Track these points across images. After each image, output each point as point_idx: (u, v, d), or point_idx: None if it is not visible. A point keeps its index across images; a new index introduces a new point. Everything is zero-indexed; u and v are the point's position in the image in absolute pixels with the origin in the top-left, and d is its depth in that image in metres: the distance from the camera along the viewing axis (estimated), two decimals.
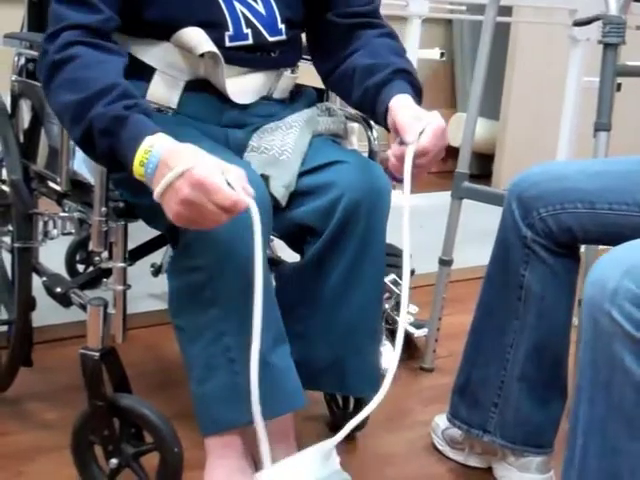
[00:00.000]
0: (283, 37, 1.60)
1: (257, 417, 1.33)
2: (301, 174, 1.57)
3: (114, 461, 1.53)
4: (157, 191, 1.24)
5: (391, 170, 1.46)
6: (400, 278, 2.29)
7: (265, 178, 1.52)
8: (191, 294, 1.41)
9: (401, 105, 1.47)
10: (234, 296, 1.40)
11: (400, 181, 1.45)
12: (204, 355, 1.44)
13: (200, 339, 1.44)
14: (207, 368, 1.44)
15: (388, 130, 1.51)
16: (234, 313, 1.41)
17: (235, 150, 1.56)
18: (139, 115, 1.31)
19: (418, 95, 1.54)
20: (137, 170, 1.27)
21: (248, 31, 1.56)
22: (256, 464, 1.55)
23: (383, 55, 1.57)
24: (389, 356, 2.10)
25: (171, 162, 1.23)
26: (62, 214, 1.64)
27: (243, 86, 1.59)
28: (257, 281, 1.32)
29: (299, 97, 1.71)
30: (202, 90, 1.57)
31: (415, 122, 1.42)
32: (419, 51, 3.41)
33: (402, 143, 1.43)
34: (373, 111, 1.55)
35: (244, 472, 1.48)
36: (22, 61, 1.79)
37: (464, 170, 2.15)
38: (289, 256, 1.72)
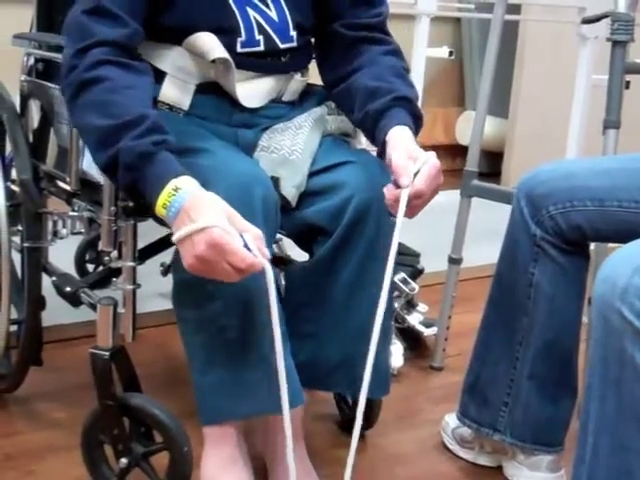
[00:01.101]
0: (294, 44, 1.61)
1: (286, 418, 1.37)
2: (311, 174, 1.57)
3: (124, 460, 1.53)
4: (175, 237, 1.28)
5: (388, 206, 1.47)
6: (411, 277, 2.29)
7: (275, 179, 1.52)
8: (193, 288, 1.42)
9: (397, 142, 1.47)
10: (235, 291, 1.40)
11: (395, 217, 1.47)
12: (205, 348, 1.45)
13: (201, 332, 1.45)
14: (208, 361, 1.45)
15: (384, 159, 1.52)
16: (235, 308, 1.41)
17: (244, 150, 1.57)
18: (166, 154, 1.32)
19: (417, 123, 1.55)
20: (159, 211, 1.30)
21: (260, 37, 1.57)
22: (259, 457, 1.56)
23: (386, 78, 1.57)
24: (398, 356, 2.12)
25: (193, 213, 1.26)
26: (71, 213, 1.64)
27: (253, 90, 1.59)
28: (276, 334, 1.34)
29: (308, 96, 1.71)
30: (212, 92, 1.57)
31: (410, 164, 1.43)
32: (428, 49, 3.40)
33: (397, 185, 1.44)
34: (372, 137, 1.56)
35: (236, 462, 1.50)
36: (31, 61, 1.79)
37: (473, 168, 2.15)
38: (298, 255, 1.72)
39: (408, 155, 1.44)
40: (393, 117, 1.51)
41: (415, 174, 1.43)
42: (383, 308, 1.42)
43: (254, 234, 1.28)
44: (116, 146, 1.32)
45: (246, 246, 1.26)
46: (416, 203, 1.44)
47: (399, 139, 1.48)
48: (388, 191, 1.44)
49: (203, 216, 1.25)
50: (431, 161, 1.44)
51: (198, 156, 1.45)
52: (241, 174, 1.42)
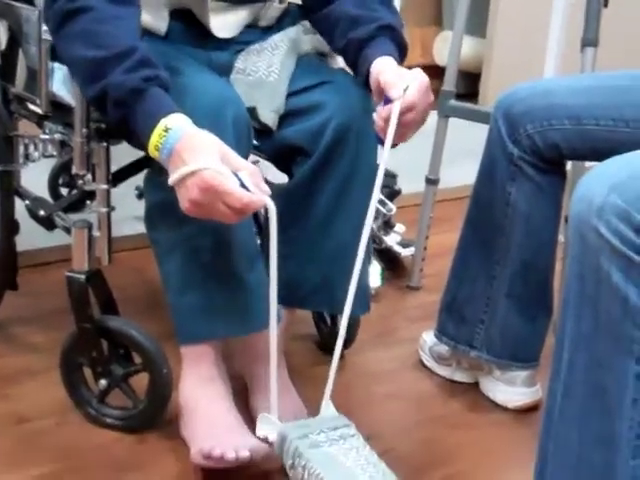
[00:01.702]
0: None
1: (272, 337, 1.37)
2: (289, 95, 1.56)
3: (103, 382, 1.54)
4: (170, 181, 1.25)
5: (377, 132, 1.44)
6: (388, 198, 2.29)
7: (252, 109, 1.51)
8: (166, 210, 1.41)
9: (384, 66, 1.46)
10: None
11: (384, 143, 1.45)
12: (180, 270, 1.45)
13: (175, 254, 1.45)
14: (183, 283, 1.45)
15: (369, 90, 1.50)
16: (209, 230, 1.40)
17: (220, 73, 1.54)
18: (157, 90, 1.29)
19: (402, 53, 1.53)
20: (153, 153, 1.27)
21: None
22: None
23: (370, 5, 1.54)
24: (375, 276, 2.13)
25: (185, 155, 1.23)
26: (43, 136, 1.61)
27: (227, 21, 1.57)
28: (272, 273, 1.33)
29: (283, 16, 1.68)
30: (185, 18, 1.55)
31: (399, 79, 1.41)
32: None
33: (387, 103, 1.41)
34: (355, 66, 1.54)
35: (214, 380, 1.50)
36: None
37: (450, 88, 2.13)
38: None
39: (397, 73, 1.43)
40: (377, 47, 1.49)
41: (405, 90, 1.41)
42: (369, 229, 1.42)
43: (250, 171, 1.25)
44: (105, 80, 1.28)
45: (243, 185, 1.23)
46: (407, 118, 1.41)
47: (386, 65, 1.46)
48: (377, 113, 1.43)
49: (195, 158, 1.22)
50: (420, 77, 1.43)
51: (170, 73, 1.42)
52: (211, 95, 1.40)
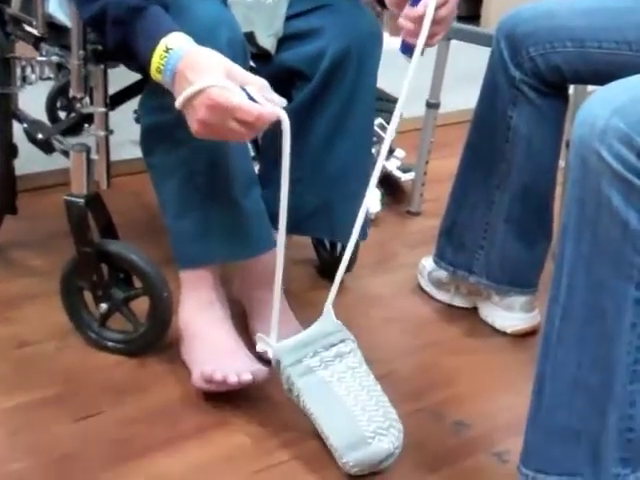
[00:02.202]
0: None
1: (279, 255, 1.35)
2: (288, 18, 1.53)
3: (104, 306, 1.55)
4: (177, 103, 1.22)
5: (405, 36, 1.39)
6: (387, 122, 2.27)
7: (249, 34, 1.48)
8: (161, 133, 1.40)
9: None
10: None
11: (412, 50, 1.38)
12: (177, 194, 1.45)
13: (172, 178, 1.44)
14: (180, 206, 1.45)
15: (383, 6, 1.45)
16: (204, 153, 1.40)
17: None
18: (157, 8, 1.26)
19: None
20: (156, 77, 1.25)
21: None
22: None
23: None
24: (375, 202, 2.12)
25: (189, 74, 1.20)
26: (40, 58, 1.59)
27: None
28: (283, 190, 1.31)
29: None
30: None
31: None
32: None
33: (416, 3, 1.36)
34: None
35: (212, 304, 1.51)
36: None
37: None
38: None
39: None
40: None
41: None
42: (385, 154, 1.39)
43: (258, 85, 1.22)
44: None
45: (251, 99, 1.20)
46: (442, 14, 1.36)
47: None
48: (405, 15, 1.37)
49: (200, 76, 1.19)
50: None
51: None
52: (205, 16, 1.36)
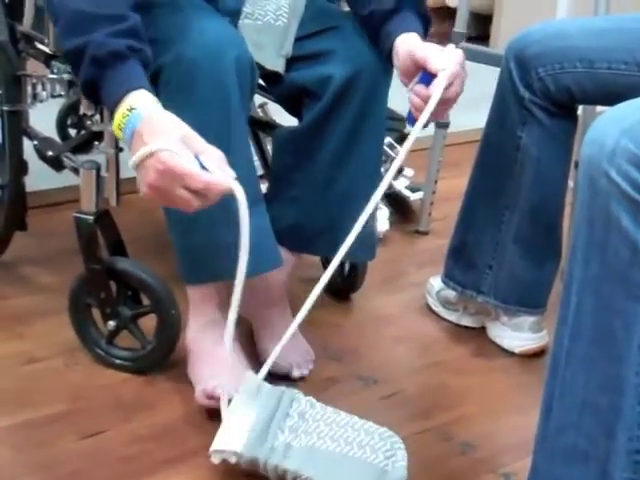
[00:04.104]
0: None
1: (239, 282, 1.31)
2: (299, 38, 1.54)
3: (112, 323, 1.55)
4: (130, 163, 1.19)
5: (413, 110, 1.39)
6: (397, 141, 2.27)
7: (260, 47, 1.49)
8: None
9: (415, 44, 1.40)
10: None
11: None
12: (184, 212, 1.44)
13: None
14: (189, 223, 1.43)
15: (391, 64, 1.46)
16: None
17: (228, 18, 1.52)
18: (137, 63, 1.24)
19: (426, 27, 1.48)
20: (116, 133, 1.22)
21: None
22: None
23: None
24: (383, 221, 2.12)
25: (146, 136, 1.17)
26: (51, 76, 1.60)
27: None
28: (241, 261, 1.28)
29: None
30: None
31: (437, 53, 1.37)
32: None
33: (425, 79, 1.37)
34: (376, 39, 1.49)
35: (216, 324, 1.49)
36: None
37: (461, 30, 2.11)
38: (286, 121, 1.70)
39: (433, 48, 1.39)
40: (402, 22, 1.45)
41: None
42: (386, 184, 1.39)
43: (213, 155, 1.18)
44: (88, 36, 1.23)
45: (203, 167, 1.16)
46: (450, 92, 1.37)
47: (413, 42, 1.41)
48: (415, 92, 1.38)
49: (154, 137, 1.16)
50: (455, 50, 1.39)
51: (170, 11, 1.41)
52: (213, 34, 1.37)
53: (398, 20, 1.45)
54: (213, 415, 1.44)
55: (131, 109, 1.19)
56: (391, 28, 1.45)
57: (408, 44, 1.41)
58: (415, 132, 1.36)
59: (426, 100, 1.36)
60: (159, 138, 1.16)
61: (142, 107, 1.19)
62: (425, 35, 1.47)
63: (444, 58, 1.36)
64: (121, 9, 1.26)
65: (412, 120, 1.42)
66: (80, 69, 1.25)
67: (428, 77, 1.37)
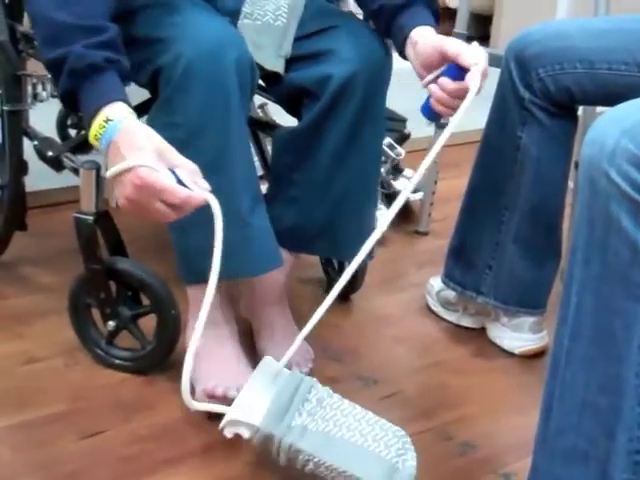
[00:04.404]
0: None
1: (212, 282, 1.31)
2: (298, 38, 1.54)
3: (112, 323, 1.55)
4: (107, 174, 1.22)
5: (434, 104, 1.38)
6: (397, 142, 2.27)
7: (259, 47, 1.49)
8: None
9: (438, 38, 1.39)
10: (214, 155, 1.38)
11: (437, 119, 1.39)
12: None
13: None
14: (186, 224, 1.43)
15: (403, 57, 1.46)
16: (213, 171, 1.39)
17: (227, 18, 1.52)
18: (114, 75, 1.25)
19: (437, 20, 1.47)
20: (92, 142, 1.24)
21: None
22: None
23: None
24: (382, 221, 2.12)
25: (123, 149, 1.19)
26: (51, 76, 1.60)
27: None
28: (214, 269, 1.28)
29: None
30: None
31: (469, 47, 1.36)
32: None
33: (453, 72, 1.35)
34: (387, 33, 1.49)
35: (217, 323, 1.49)
36: None
37: (462, 31, 2.11)
38: (286, 122, 1.70)
39: (459, 42, 1.37)
40: (414, 15, 1.44)
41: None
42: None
43: (189, 169, 1.21)
44: (67, 47, 1.24)
45: (180, 182, 1.19)
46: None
47: (436, 36, 1.41)
48: (441, 86, 1.36)
49: (132, 153, 1.18)
50: (475, 43, 1.38)
51: (168, 11, 1.40)
52: (212, 34, 1.37)
53: (410, 14, 1.45)
54: (213, 415, 1.44)
55: (107, 120, 1.21)
56: (403, 21, 1.45)
57: (431, 37, 1.40)
58: (450, 128, 1.33)
59: (451, 93, 1.35)
60: (136, 153, 1.18)
61: (119, 119, 1.21)
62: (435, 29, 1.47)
63: (476, 53, 1.35)
64: (100, 20, 1.27)
65: (429, 112, 1.41)
66: (59, 80, 1.26)
67: (455, 71, 1.35)
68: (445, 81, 1.37)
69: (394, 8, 1.46)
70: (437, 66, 1.39)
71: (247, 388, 1.36)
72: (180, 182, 1.19)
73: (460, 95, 1.35)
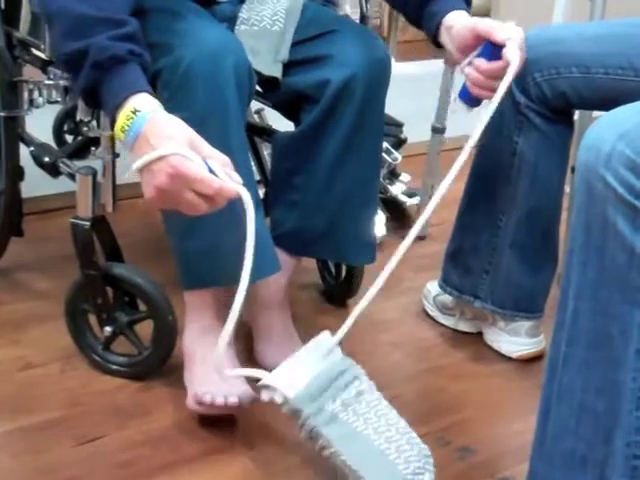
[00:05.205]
0: None
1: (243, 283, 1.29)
2: (296, 43, 1.54)
3: (108, 329, 1.55)
4: (134, 167, 1.18)
5: (472, 88, 1.37)
6: (393, 147, 2.27)
7: (256, 53, 1.49)
8: None
9: (471, 19, 1.38)
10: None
11: (476, 104, 1.37)
12: (182, 217, 1.42)
13: None
14: (189, 228, 1.43)
15: (437, 45, 1.45)
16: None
17: (224, 24, 1.52)
18: (137, 67, 1.23)
19: (469, 4, 1.46)
20: (118, 135, 1.21)
21: None
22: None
23: None
24: (380, 226, 2.12)
25: (152, 139, 1.16)
26: (47, 82, 1.60)
27: None
28: (246, 267, 1.27)
29: None
30: None
31: (502, 24, 1.34)
32: None
33: (488, 53, 1.34)
34: (418, 22, 1.47)
35: (214, 330, 1.46)
36: None
37: None
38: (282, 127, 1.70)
39: (491, 21, 1.36)
40: (446, 1, 1.43)
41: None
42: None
43: (221, 160, 1.19)
44: (90, 39, 1.22)
45: (212, 172, 1.16)
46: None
47: (469, 18, 1.39)
48: (476, 68, 1.35)
49: (162, 140, 1.16)
50: (516, 26, 1.35)
51: (167, 18, 1.41)
52: (211, 40, 1.37)
53: (442, 0, 1.43)
54: (204, 422, 1.44)
55: (135, 111, 1.18)
56: (436, 8, 1.43)
57: (464, 21, 1.39)
58: (493, 107, 1.31)
59: (485, 73, 1.33)
60: (167, 142, 1.15)
61: (147, 110, 1.19)
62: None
63: (509, 28, 1.33)
64: (121, 13, 1.26)
65: (467, 96, 1.39)
66: (80, 73, 1.24)
67: (491, 50, 1.34)
68: (479, 61, 1.35)
69: None
70: (473, 48, 1.37)
71: (295, 356, 1.35)
72: (212, 173, 1.16)
73: (497, 75, 1.33)
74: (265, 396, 1.33)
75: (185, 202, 1.17)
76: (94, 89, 1.24)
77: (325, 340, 1.39)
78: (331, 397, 1.32)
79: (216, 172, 1.16)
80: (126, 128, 1.19)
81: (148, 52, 1.27)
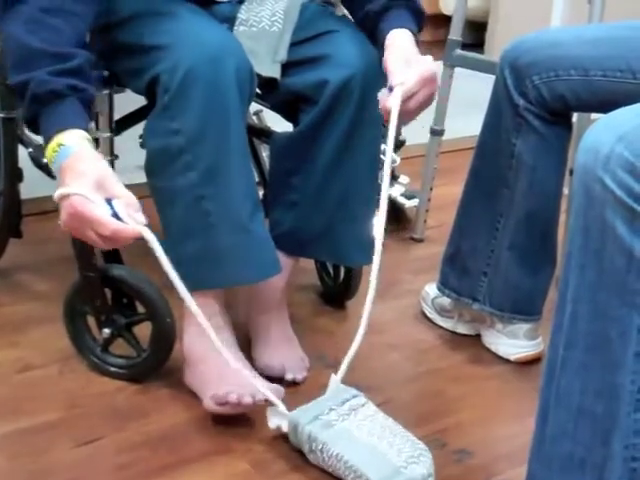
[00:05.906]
0: None
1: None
2: (294, 44, 1.54)
3: (107, 331, 1.54)
4: (54, 196, 1.25)
5: (381, 112, 1.44)
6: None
7: (255, 54, 1.49)
8: (169, 157, 1.40)
9: (394, 45, 1.45)
10: (213, 161, 1.38)
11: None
12: (183, 218, 1.44)
13: (178, 202, 1.43)
14: (186, 231, 1.44)
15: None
16: (213, 178, 1.40)
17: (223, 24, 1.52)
18: (76, 102, 1.27)
19: (418, 21, 1.51)
20: (49, 165, 1.28)
21: None
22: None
23: None
24: (377, 228, 2.12)
25: (67, 174, 1.23)
26: None
27: None
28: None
29: None
30: None
31: (404, 66, 1.41)
32: None
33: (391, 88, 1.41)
34: (374, 41, 1.53)
35: (219, 329, 1.47)
36: None
37: (456, 37, 2.11)
38: (281, 129, 1.70)
39: (404, 58, 1.42)
40: (392, 19, 1.48)
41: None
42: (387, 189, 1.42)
43: (126, 201, 1.23)
44: (32, 73, 1.26)
45: (116, 214, 1.21)
46: (407, 106, 1.41)
47: (396, 42, 1.45)
48: (381, 96, 1.42)
49: (73, 180, 1.22)
50: (426, 66, 1.42)
51: (165, 18, 1.41)
52: (212, 43, 1.38)
53: (389, 18, 1.48)
54: (219, 420, 1.43)
55: (59, 145, 1.24)
56: (383, 26, 1.48)
57: (388, 49, 1.45)
58: (389, 144, 1.41)
59: (385, 111, 1.41)
60: (77, 180, 1.22)
61: (70, 145, 1.24)
62: (419, 29, 1.50)
63: (407, 72, 1.40)
64: (69, 46, 1.29)
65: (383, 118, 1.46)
66: (24, 104, 1.29)
67: (391, 87, 1.41)
68: (381, 94, 1.42)
69: (376, 12, 1.50)
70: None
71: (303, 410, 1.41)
72: (115, 214, 1.21)
73: (388, 111, 1.40)
74: (272, 424, 1.40)
75: (87, 238, 1.24)
76: (34, 121, 1.29)
77: (334, 382, 1.46)
78: (327, 409, 1.39)
79: (119, 213, 1.21)
80: (52, 160, 1.25)
81: (143, 56, 1.30)
